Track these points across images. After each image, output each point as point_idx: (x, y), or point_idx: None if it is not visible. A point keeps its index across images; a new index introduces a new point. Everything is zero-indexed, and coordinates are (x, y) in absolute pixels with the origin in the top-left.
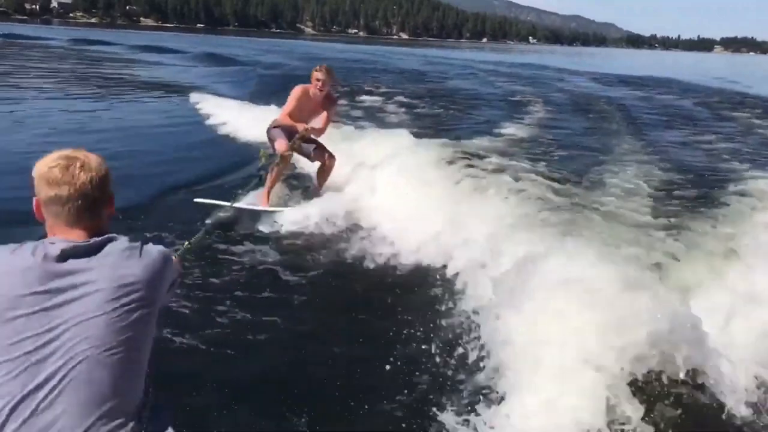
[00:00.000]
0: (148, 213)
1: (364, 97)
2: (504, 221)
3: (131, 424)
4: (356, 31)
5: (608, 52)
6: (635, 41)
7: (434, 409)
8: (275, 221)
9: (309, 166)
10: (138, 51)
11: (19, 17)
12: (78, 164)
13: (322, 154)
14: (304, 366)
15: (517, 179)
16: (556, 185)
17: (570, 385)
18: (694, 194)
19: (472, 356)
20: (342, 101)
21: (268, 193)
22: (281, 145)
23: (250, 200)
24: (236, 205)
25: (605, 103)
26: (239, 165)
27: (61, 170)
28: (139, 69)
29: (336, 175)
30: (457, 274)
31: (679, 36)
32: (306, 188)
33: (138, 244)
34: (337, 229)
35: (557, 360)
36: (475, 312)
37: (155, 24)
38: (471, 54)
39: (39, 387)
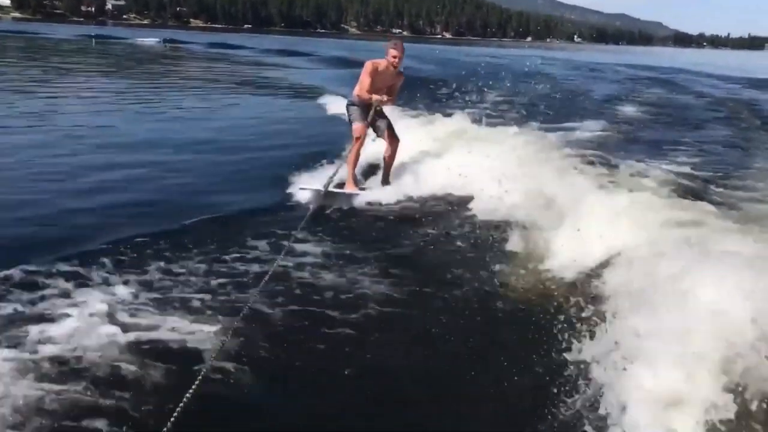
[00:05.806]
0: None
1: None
2: (651, 229)
3: None
4: (400, 30)
5: (686, 51)
6: (683, 40)
7: None
8: (366, 201)
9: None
10: (273, 54)
11: (76, 19)
12: None
13: (391, 134)
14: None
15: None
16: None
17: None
18: None
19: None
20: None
21: (353, 174)
22: (358, 129)
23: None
24: (330, 189)
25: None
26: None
27: None
28: (275, 71)
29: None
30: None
31: (728, 34)
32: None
33: None
34: (426, 207)
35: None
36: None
37: (204, 24)
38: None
39: None
